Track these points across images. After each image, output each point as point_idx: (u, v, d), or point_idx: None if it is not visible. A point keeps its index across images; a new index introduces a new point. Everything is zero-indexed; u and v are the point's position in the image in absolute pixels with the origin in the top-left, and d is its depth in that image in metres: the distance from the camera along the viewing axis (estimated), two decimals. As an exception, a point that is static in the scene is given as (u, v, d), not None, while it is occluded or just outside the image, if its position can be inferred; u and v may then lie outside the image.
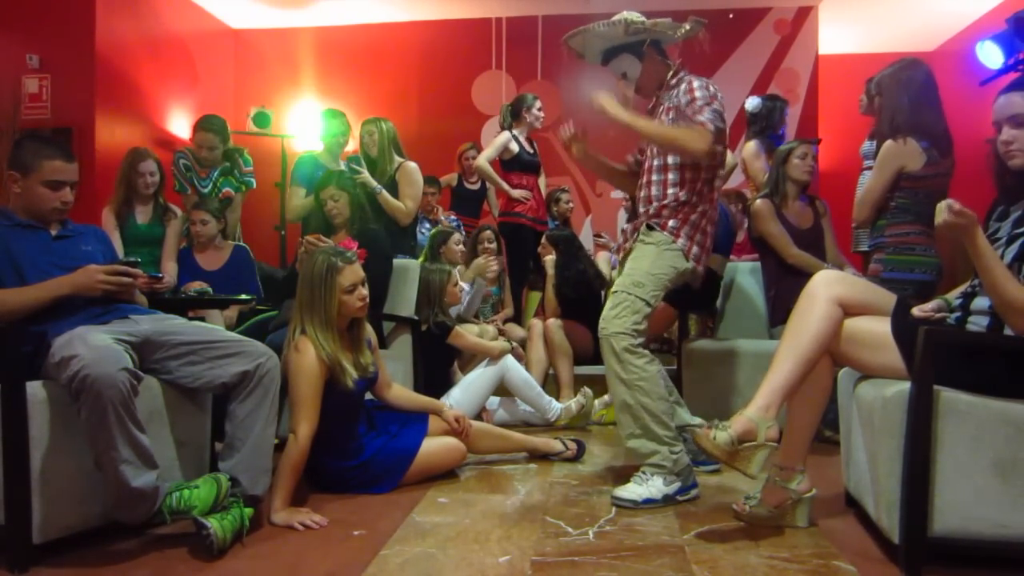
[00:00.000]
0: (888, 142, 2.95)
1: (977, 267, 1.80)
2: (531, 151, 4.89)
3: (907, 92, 2.94)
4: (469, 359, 3.81)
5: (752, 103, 4.57)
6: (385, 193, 3.89)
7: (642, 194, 2.67)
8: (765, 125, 4.49)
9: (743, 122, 5.83)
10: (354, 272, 2.41)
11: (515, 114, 4.83)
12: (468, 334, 3.43)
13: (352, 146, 4.46)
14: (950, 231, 1.79)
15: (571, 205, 5.32)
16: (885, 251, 3.04)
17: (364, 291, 2.43)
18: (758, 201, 3.53)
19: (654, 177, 2.63)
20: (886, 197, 3.01)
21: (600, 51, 2.73)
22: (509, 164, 4.79)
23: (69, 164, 2.14)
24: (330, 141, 4.14)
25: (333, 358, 2.34)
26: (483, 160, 4.76)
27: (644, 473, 2.39)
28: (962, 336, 1.89)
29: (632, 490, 2.36)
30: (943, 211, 1.76)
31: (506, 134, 4.77)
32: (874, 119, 3.96)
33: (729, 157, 4.58)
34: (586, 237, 5.87)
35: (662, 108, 2.67)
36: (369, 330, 2.58)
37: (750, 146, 4.50)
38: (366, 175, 3.83)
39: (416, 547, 1.98)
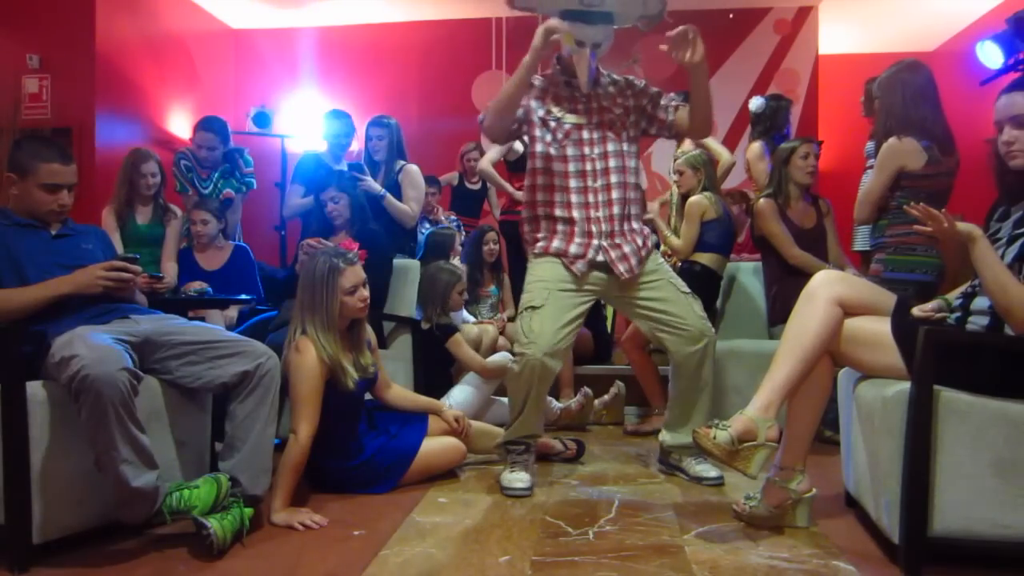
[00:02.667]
0: (887, 141, 2.96)
1: (977, 268, 1.80)
2: None
3: (903, 93, 2.95)
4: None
5: (756, 103, 4.56)
6: (390, 197, 3.88)
7: (606, 199, 2.52)
8: (770, 125, 4.48)
9: (743, 121, 5.85)
10: (355, 273, 2.41)
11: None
12: (467, 346, 3.39)
13: (354, 146, 4.46)
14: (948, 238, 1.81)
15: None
16: (886, 251, 3.04)
17: (365, 292, 2.43)
18: (761, 200, 3.53)
19: (624, 179, 2.55)
20: (887, 197, 3.01)
21: (571, 7, 2.47)
22: (515, 164, 4.76)
23: (66, 167, 2.14)
24: (332, 142, 4.13)
25: (334, 359, 2.34)
26: (486, 163, 4.70)
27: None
28: (962, 336, 1.89)
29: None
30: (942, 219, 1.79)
31: None
32: (872, 120, 3.97)
33: (726, 155, 4.59)
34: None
35: (600, 99, 2.55)
36: (369, 331, 2.58)
37: (755, 147, 4.50)
38: (370, 181, 3.82)
39: (416, 547, 1.98)
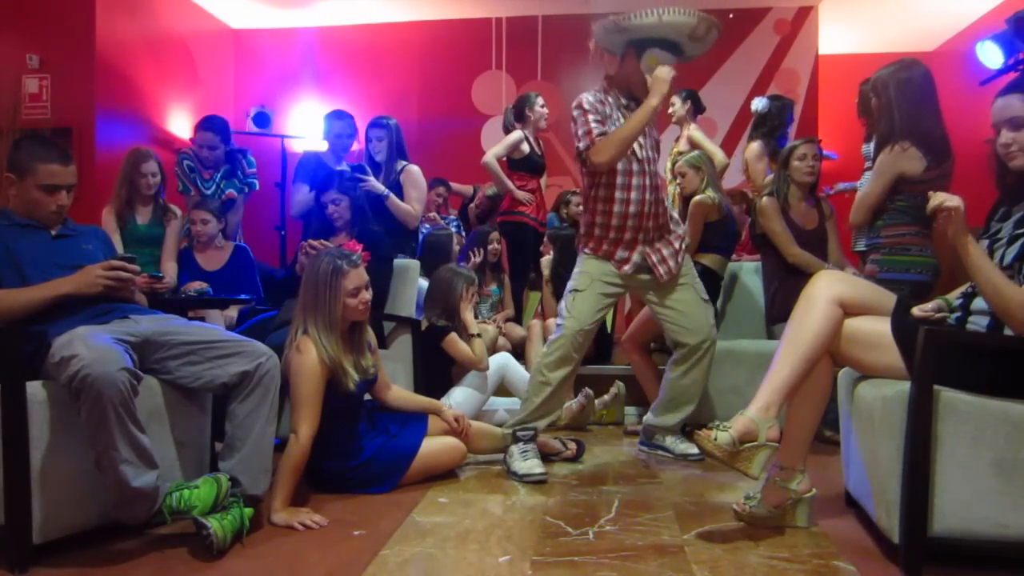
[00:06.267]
0: (885, 149, 2.94)
1: (971, 273, 1.81)
2: (540, 152, 4.85)
3: (902, 96, 2.92)
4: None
5: (759, 103, 4.55)
6: (393, 197, 3.88)
7: (636, 215, 2.78)
8: (775, 125, 4.48)
9: (743, 121, 5.85)
10: (359, 276, 2.41)
11: (519, 115, 4.78)
12: (461, 343, 3.39)
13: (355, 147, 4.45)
14: (943, 227, 1.82)
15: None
16: (881, 251, 3.03)
17: (367, 295, 2.43)
18: (764, 199, 3.53)
19: (661, 196, 2.86)
20: (885, 201, 3.01)
21: (640, 39, 2.71)
22: (518, 164, 4.75)
23: (65, 168, 2.13)
24: (334, 142, 4.13)
25: (335, 360, 2.34)
26: (491, 157, 4.67)
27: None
28: (962, 336, 1.89)
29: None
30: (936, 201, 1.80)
31: (518, 133, 4.69)
32: (865, 121, 3.96)
33: (720, 155, 4.59)
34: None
35: (648, 125, 2.78)
36: (369, 332, 2.58)
37: (753, 147, 4.50)
38: (373, 181, 3.82)
39: (416, 547, 1.98)
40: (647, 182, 2.78)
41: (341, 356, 2.37)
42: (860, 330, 1.98)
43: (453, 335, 3.33)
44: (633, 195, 2.77)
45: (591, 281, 2.81)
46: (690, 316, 2.88)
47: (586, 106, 2.72)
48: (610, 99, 2.80)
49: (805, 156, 3.50)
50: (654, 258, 2.83)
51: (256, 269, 3.85)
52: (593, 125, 2.69)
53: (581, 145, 2.70)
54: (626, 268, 2.81)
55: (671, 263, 2.85)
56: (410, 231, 4.07)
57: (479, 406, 3.36)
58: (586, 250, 2.87)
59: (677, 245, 2.89)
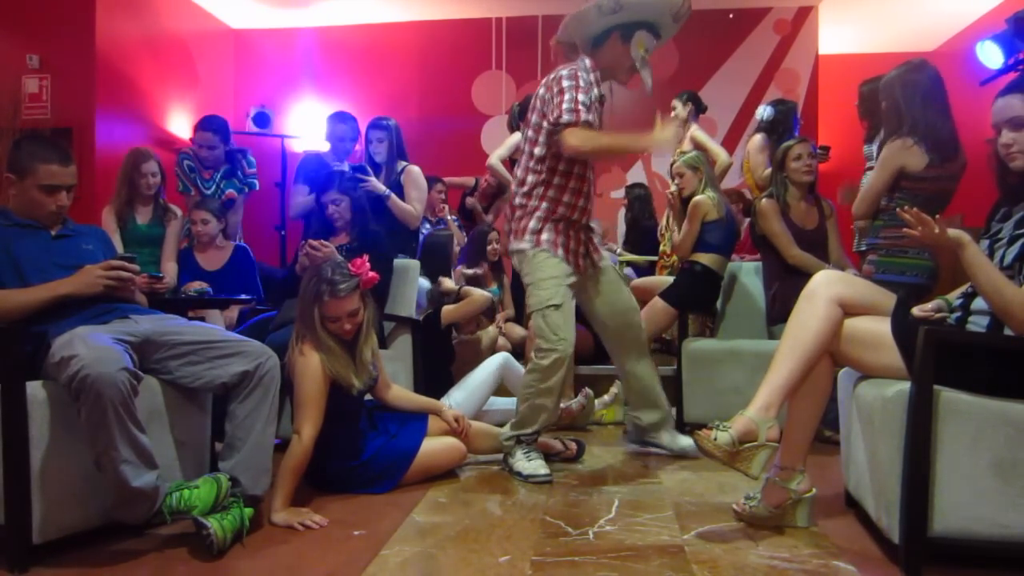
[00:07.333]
0: (890, 141, 2.94)
1: (969, 274, 1.81)
2: None
3: (910, 95, 2.92)
4: (469, 360, 3.80)
5: (764, 112, 4.56)
6: (395, 197, 3.88)
7: (589, 207, 2.80)
8: (783, 130, 4.49)
9: (743, 121, 5.86)
10: (339, 306, 2.35)
11: (523, 115, 4.79)
12: (453, 305, 3.45)
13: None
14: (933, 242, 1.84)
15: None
16: (878, 253, 3.03)
17: (347, 325, 2.38)
18: (764, 200, 3.54)
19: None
20: (885, 197, 3.01)
21: (629, 22, 2.64)
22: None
23: (65, 168, 2.13)
24: (337, 144, 4.12)
25: (335, 368, 2.34)
26: (495, 160, 4.69)
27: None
28: (962, 336, 1.89)
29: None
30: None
31: (517, 134, 4.74)
32: (866, 123, 3.97)
33: (723, 156, 4.60)
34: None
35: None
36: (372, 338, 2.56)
37: (756, 138, 4.54)
38: (374, 181, 3.82)
39: (416, 547, 1.98)
40: (591, 176, 2.81)
41: (340, 365, 2.37)
42: (860, 330, 1.99)
43: (447, 306, 3.37)
44: (585, 187, 2.76)
45: (564, 290, 2.67)
46: (628, 296, 2.92)
47: (582, 83, 2.59)
48: (592, 79, 2.71)
49: (801, 156, 3.50)
50: (591, 246, 2.86)
51: (256, 269, 3.85)
52: (582, 106, 2.56)
53: (565, 117, 2.54)
54: (581, 262, 2.78)
55: (602, 250, 2.92)
56: (411, 231, 4.07)
57: (479, 406, 3.36)
58: (542, 246, 2.68)
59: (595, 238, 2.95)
